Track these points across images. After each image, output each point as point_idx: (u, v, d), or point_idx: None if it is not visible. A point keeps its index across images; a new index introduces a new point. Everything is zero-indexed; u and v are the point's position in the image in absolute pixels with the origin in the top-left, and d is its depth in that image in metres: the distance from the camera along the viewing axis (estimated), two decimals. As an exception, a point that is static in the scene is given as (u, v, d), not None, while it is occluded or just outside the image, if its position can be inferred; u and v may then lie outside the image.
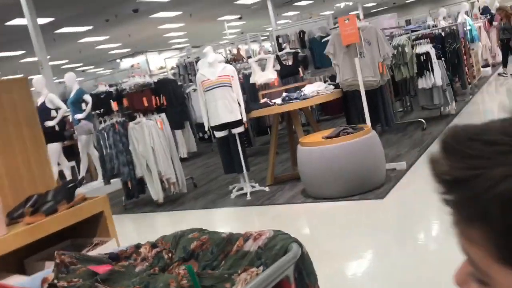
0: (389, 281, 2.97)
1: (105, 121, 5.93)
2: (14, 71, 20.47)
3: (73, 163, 8.56)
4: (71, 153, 8.39)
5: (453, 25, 8.68)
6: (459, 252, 0.45)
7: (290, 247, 1.66)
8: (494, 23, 11.51)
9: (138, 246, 1.93)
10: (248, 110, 5.21)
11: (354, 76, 5.12)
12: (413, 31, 7.67)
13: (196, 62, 10.78)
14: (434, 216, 3.79)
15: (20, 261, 2.22)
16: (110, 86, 6.33)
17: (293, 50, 7.11)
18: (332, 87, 5.30)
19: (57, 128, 6.82)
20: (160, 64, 16.22)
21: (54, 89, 9.58)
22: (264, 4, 17.76)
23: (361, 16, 24.08)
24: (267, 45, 14.45)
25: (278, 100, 5.24)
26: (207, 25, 20.76)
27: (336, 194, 4.52)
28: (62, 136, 7.18)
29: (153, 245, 1.93)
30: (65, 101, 7.51)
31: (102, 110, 6.07)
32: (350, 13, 20.17)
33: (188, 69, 10.58)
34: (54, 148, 6.85)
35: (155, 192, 5.75)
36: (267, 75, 5.84)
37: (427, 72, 6.73)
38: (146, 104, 5.62)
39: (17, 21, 12.04)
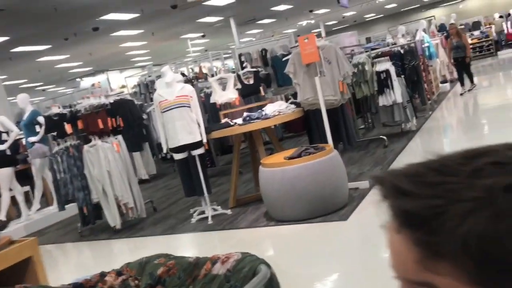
0: (353, 310, 2.85)
1: (58, 145, 5.67)
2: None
3: (27, 187, 8.18)
4: (25, 177, 8.02)
5: (411, 43, 8.83)
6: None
7: (258, 269, 1.67)
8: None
9: (103, 275, 1.90)
10: (208, 131, 5.06)
11: (315, 95, 5.07)
12: (372, 49, 7.74)
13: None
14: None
15: None
16: (64, 107, 6.07)
17: (254, 69, 7.03)
18: (293, 106, 5.22)
19: (8, 152, 6.48)
20: (121, 82, 15.93)
21: (8, 110, 9.19)
22: (227, 22, 17.78)
23: (323, 34, 24.47)
24: (231, 63, 14.39)
25: (239, 120, 5.12)
26: (170, 43, 20.61)
27: (299, 216, 4.41)
28: (14, 160, 6.84)
29: (119, 273, 1.90)
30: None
31: (55, 133, 5.80)
32: (312, 31, 20.58)
33: (149, 88, 10.38)
34: (5, 174, 6.50)
35: (112, 217, 5.50)
36: (227, 94, 5.73)
37: (387, 89, 6.77)
38: (101, 126, 5.41)
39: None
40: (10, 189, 6.85)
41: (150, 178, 8.66)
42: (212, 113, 7.06)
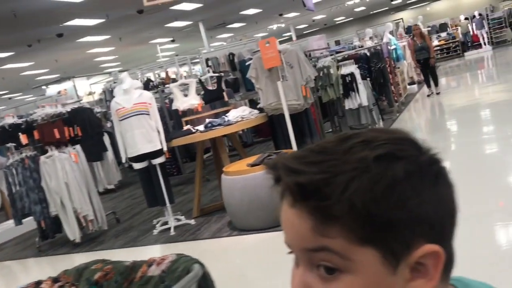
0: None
1: (13, 156, 5.42)
2: None
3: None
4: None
5: (377, 45, 8.84)
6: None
7: (191, 268, 1.74)
8: None
9: (38, 282, 1.90)
10: (168, 139, 4.91)
11: (278, 100, 4.97)
12: (337, 52, 7.70)
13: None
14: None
15: None
16: (20, 117, 5.83)
17: (217, 74, 6.90)
18: (256, 111, 5.12)
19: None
20: (89, 89, 15.57)
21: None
22: (197, 27, 17.60)
23: (294, 38, 24.50)
24: (198, 68, 14.21)
25: (201, 127, 4.99)
26: (139, 48, 20.32)
27: (262, 225, 4.29)
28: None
29: (55, 280, 1.90)
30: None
31: (10, 144, 5.55)
32: (283, 35, 20.38)
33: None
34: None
35: (71, 231, 5.28)
36: (189, 100, 5.58)
37: (353, 92, 6.74)
38: (57, 136, 5.19)
39: None
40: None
41: (116, 187, 8.43)
42: (177, 119, 6.89)
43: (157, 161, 4.91)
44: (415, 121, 9.29)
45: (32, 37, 13.18)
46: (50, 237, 5.53)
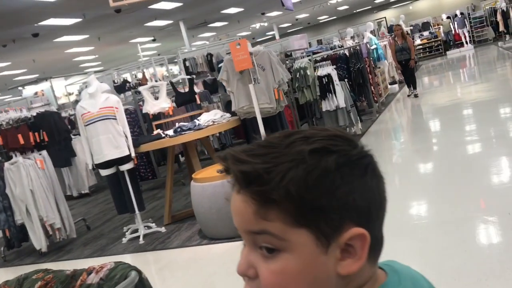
0: None
1: (-24, 163, 5.20)
2: None
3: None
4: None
5: (356, 45, 8.75)
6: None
7: (128, 275, 1.79)
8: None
9: None
10: (136, 144, 4.73)
11: (250, 104, 4.83)
12: (314, 53, 7.58)
13: (100, 88, 10.16)
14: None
15: None
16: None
17: (189, 76, 6.73)
18: (228, 115, 4.97)
19: None
20: (69, 90, 15.24)
21: None
22: (178, 26, 17.37)
23: (277, 37, 24.40)
24: (176, 69, 14.00)
25: (171, 132, 4.82)
26: (120, 48, 20.03)
27: (232, 233, 4.15)
28: None
29: None
30: None
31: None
32: (266, 34, 20.13)
33: (91, 96, 9.90)
34: None
35: (37, 240, 5.09)
36: (160, 103, 5.41)
37: (330, 94, 6.62)
38: (22, 141, 4.99)
39: None
40: None
41: (91, 191, 8.23)
42: (150, 122, 6.72)
43: (125, 167, 4.73)
44: (395, 121, 9.23)
45: (7, 37, 12.86)
46: (16, 246, 5.33)
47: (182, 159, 8.43)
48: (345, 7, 25.43)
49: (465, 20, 20.49)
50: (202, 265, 4.04)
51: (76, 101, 10.36)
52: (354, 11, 28.54)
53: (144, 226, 5.00)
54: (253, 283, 0.57)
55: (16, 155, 5.07)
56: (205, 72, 9.62)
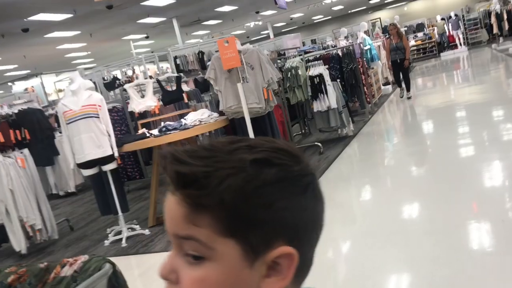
0: None
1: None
2: None
3: None
4: None
5: (349, 45, 8.63)
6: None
7: (102, 267, 1.82)
8: None
9: None
10: (119, 144, 4.58)
11: (238, 103, 4.70)
12: (306, 52, 7.45)
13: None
14: (326, 259, 3.38)
15: None
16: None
17: (176, 74, 6.58)
18: (216, 115, 4.83)
19: None
20: (58, 86, 15.04)
21: None
22: (171, 23, 17.19)
23: (271, 36, 24.28)
24: (167, 66, 13.81)
25: (156, 131, 4.68)
26: (112, 45, 19.81)
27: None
28: None
29: None
30: None
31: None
32: (261, 33, 19.96)
33: (79, 94, 9.72)
34: None
35: (17, 241, 4.92)
36: (146, 102, 5.27)
37: (322, 94, 6.50)
38: (1, 139, 4.82)
39: None
40: None
41: (77, 190, 8.06)
42: (135, 122, 6.56)
43: (108, 167, 4.58)
44: (388, 123, 9.12)
45: (-4, 32, 12.66)
46: (-5, 248, 5.16)
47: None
48: (340, 7, 25.35)
49: (460, 22, 20.46)
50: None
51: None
52: (349, 11, 28.47)
53: (128, 228, 4.85)
54: None
55: (-4, 153, 4.90)
56: (196, 70, 9.47)
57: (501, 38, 18.69)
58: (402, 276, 3.14)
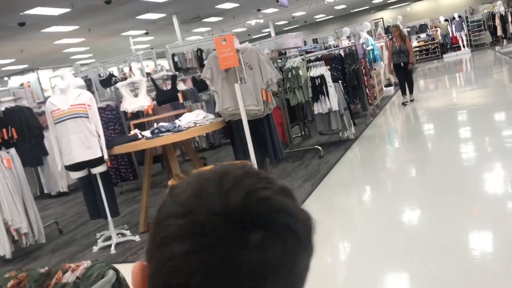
0: None
1: None
2: None
3: None
4: None
5: (352, 46, 8.40)
6: None
7: (106, 273, 1.79)
8: None
9: None
10: (109, 145, 4.36)
11: (235, 105, 4.47)
12: (308, 52, 7.23)
13: (85, 81, 9.75)
14: (323, 270, 3.17)
15: None
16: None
17: (171, 73, 6.35)
18: (211, 116, 4.60)
19: None
20: (54, 82, 14.78)
21: None
22: (171, 20, 16.95)
23: (273, 34, 24.04)
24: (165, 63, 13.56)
25: (148, 133, 4.45)
26: (111, 40, 19.56)
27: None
28: None
29: None
30: None
31: None
32: (262, 31, 19.67)
33: (75, 90, 9.48)
34: None
35: (1, 245, 4.70)
36: (139, 101, 5.04)
37: (323, 96, 6.27)
38: (-14, 138, 4.60)
39: None
40: None
41: (70, 190, 7.83)
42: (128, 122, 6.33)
43: (97, 170, 4.36)
44: (390, 126, 8.91)
45: (-9, 25, 12.42)
46: (-21, 251, 4.93)
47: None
48: (343, 6, 25.09)
49: (463, 23, 20.22)
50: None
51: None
52: (352, 11, 28.21)
53: (118, 234, 4.63)
54: None
55: (-19, 153, 4.67)
56: (195, 68, 9.25)
57: (505, 41, 18.46)
58: (402, 283, 2.94)
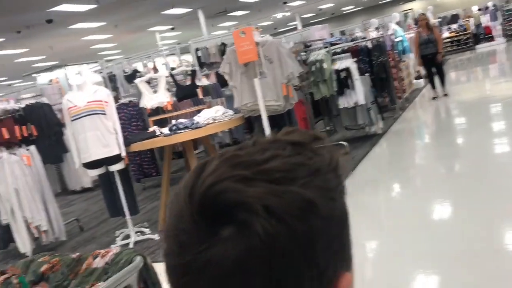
0: None
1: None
2: None
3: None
4: None
5: (380, 37, 8.12)
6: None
7: (133, 259, 1.86)
8: None
9: None
10: (127, 143, 4.27)
11: (254, 100, 4.31)
12: (333, 44, 6.99)
13: (109, 77, 9.76)
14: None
15: None
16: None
17: (190, 68, 6.23)
18: (231, 112, 4.46)
19: None
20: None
21: None
22: (196, 15, 16.88)
23: (299, 27, 23.73)
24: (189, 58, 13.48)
25: (166, 130, 4.35)
26: (138, 36, 19.66)
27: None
28: None
29: (2, 272, 2.06)
30: None
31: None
32: (288, 24, 19.46)
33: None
34: None
35: (22, 242, 4.70)
36: (158, 97, 4.94)
37: (348, 90, 6.05)
38: (6, 136, 4.58)
39: None
40: None
41: (94, 186, 7.84)
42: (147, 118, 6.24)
43: (115, 167, 4.29)
44: (420, 119, 8.59)
45: (20, 23, 12.60)
46: (1, 248, 4.96)
47: (195, 152, 7.97)
48: (371, -3, 24.58)
49: (498, 12, 19.47)
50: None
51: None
52: (380, 2, 27.61)
53: (137, 232, 4.56)
54: None
55: (1, 151, 4.67)
56: (218, 62, 9.10)
57: (542, 30, 17.69)
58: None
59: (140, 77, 9.20)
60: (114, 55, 23.26)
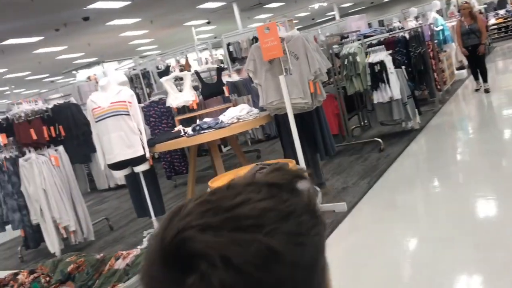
0: None
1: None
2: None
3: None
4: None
5: (417, 27, 7.74)
6: None
7: None
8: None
9: (16, 274, 2.25)
10: (151, 143, 4.20)
11: (280, 98, 4.14)
12: (366, 36, 6.70)
13: (143, 74, 9.79)
14: (380, 275, 2.82)
15: None
16: None
17: (216, 65, 6.10)
18: (256, 111, 4.31)
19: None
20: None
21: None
22: (231, 8, 16.76)
23: (337, 17, 23.23)
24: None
25: (190, 130, 4.24)
26: (174, 31, 19.74)
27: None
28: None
29: (31, 272, 2.26)
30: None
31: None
32: (326, 14, 18.98)
33: (133, 83, 9.56)
34: None
35: (51, 242, 4.72)
36: (183, 96, 4.84)
37: (383, 84, 5.77)
38: (34, 137, 4.60)
39: None
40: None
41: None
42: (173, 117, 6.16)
43: (140, 168, 4.22)
44: (461, 113, 8.16)
45: (58, 21, 12.85)
46: (31, 247, 5.01)
47: (224, 149, 7.89)
48: (412, -16, 23.71)
49: (550, -4, 18.38)
50: None
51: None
52: (422, -11, 26.63)
53: (163, 233, 4.49)
54: None
55: (29, 151, 4.70)
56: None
57: None
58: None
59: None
60: (151, 50, 23.51)
